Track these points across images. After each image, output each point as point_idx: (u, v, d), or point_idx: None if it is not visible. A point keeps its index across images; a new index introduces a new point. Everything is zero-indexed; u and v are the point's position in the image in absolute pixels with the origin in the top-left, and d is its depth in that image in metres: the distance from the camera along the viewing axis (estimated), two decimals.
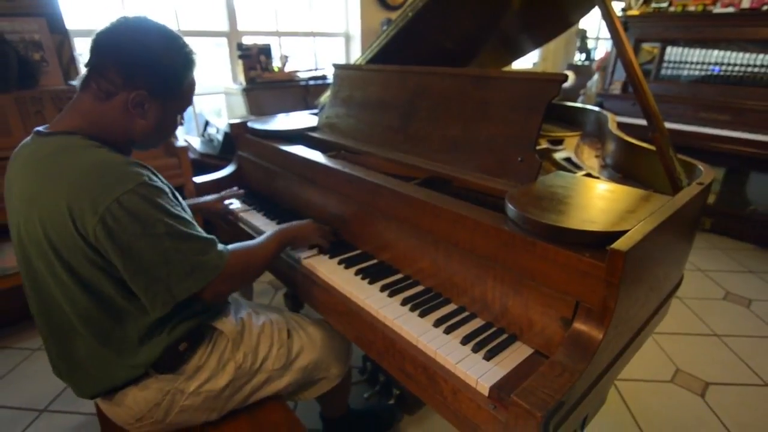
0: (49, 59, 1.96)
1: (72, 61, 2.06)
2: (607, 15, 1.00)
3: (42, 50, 1.94)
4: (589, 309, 0.71)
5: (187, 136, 2.75)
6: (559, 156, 1.30)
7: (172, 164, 2.17)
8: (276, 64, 3.00)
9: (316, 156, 1.30)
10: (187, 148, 2.22)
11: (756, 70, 2.68)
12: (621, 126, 1.47)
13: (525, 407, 0.62)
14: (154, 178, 0.84)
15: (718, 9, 2.74)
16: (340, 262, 1.11)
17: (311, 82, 3.01)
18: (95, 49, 0.83)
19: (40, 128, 0.86)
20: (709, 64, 2.87)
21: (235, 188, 1.47)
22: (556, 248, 0.73)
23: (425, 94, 1.23)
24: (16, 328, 2.03)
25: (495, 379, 0.74)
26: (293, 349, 1.08)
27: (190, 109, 2.98)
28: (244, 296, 1.85)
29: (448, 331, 0.86)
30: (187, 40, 0.90)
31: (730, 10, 2.68)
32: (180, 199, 0.94)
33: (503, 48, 1.82)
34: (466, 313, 0.92)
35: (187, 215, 0.87)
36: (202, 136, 2.78)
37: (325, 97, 1.69)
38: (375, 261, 1.12)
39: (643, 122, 1.02)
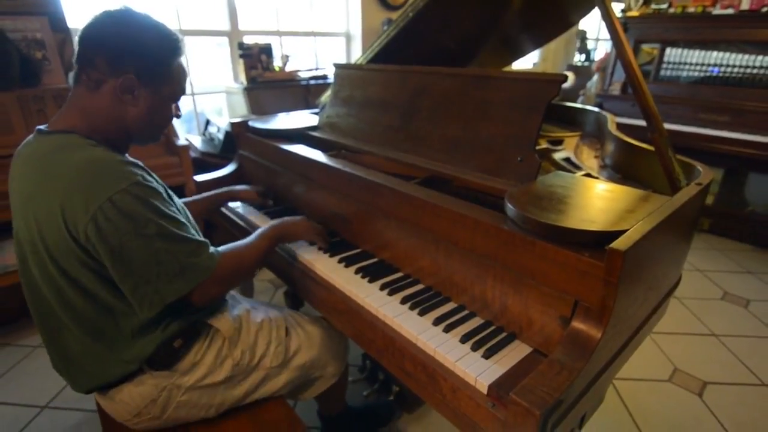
0: (51, 58, 1.96)
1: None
2: (607, 16, 1.01)
3: (44, 49, 1.94)
4: (587, 308, 0.72)
5: (188, 135, 2.75)
6: (558, 156, 1.30)
7: (173, 163, 2.17)
8: (277, 63, 3.01)
9: (317, 155, 1.31)
10: (188, 147, 2.23)
11: (755, 71, 2.69)
12: (620, 127, 1.47)
13: (524, 405, 0.62)
14: (149, 177, 0.84)
15: (717, 10, 2.74)
16: (340, 261, 1.12)
17: (312, 82, 3.01)
18: (81, 42, 0.84)
19: (41, 127, 0.87)
20: (709, 65, 2.88)
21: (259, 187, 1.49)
22: (555, 247, 0.74)
23: (425, 94, 1.24)
24: (17, 325, 2.04)
25: (494, 378, 0.74)
26: (291, 347, 1.08)
27: (191, 109, 2.99)
28: (244, 293, 1.85)
29: (447, 330, 0.87)
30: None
31: (730, 11, 2.68)
32: (175, 199, 0.94)
33: (503, 48, 1.82)
34: (466, 312, 0.93)
35: (181, 216, 0.87)
36: (203, 134, 2.78)
37: (326, 96, 1.69)
38: (375, 260, 1.13)
39: (642, 123, 1.03)
